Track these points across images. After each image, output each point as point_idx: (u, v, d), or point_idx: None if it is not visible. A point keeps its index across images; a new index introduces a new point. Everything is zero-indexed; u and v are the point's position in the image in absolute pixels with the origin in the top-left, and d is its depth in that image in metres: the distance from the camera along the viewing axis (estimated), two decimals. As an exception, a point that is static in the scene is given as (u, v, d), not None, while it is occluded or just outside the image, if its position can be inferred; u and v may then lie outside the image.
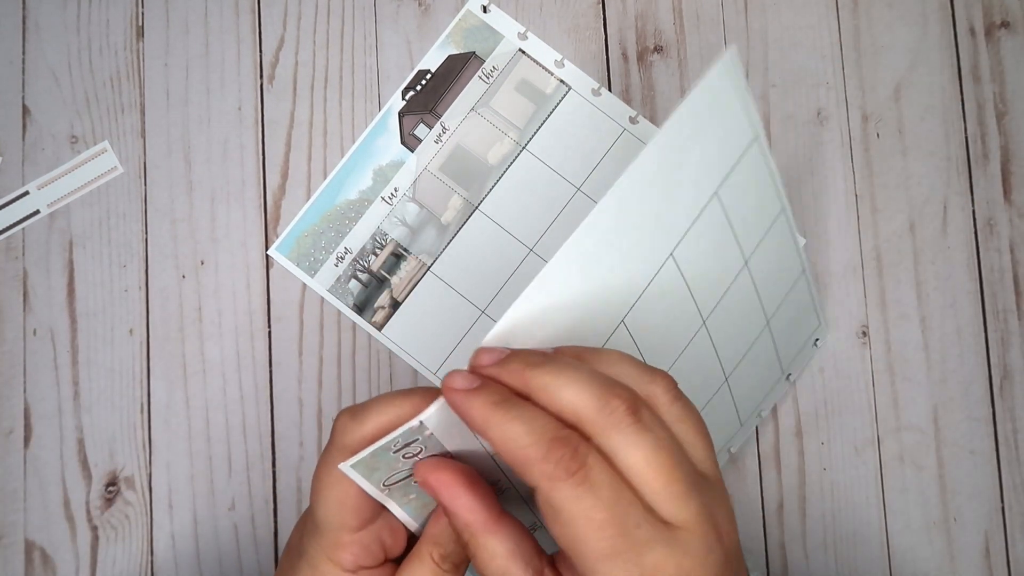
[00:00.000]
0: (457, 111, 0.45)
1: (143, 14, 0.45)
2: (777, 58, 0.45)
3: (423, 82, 0.45)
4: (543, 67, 0.45)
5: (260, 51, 0.45)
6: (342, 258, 0.44)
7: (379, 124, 0.45)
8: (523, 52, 0.45)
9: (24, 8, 0.45)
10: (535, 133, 0.44)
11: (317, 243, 0.44)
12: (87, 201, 0.44)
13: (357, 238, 0.44)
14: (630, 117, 0.44)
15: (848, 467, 0.43)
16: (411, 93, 0.45)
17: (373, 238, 0.44)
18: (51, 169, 0.44)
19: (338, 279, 0.44)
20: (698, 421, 0.25)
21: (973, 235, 0.45)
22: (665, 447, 0.23)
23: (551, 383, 0.23)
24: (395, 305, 0.43)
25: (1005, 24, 0.46)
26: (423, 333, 0.43)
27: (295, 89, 0.45)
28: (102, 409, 0.43)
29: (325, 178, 0.44)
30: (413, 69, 0.45)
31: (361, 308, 0.43)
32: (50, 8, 0.45)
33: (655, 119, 0.45)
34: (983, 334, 0.44)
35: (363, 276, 0.44)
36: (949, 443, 0.43)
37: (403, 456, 0.27)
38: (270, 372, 0.43)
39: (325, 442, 0.40)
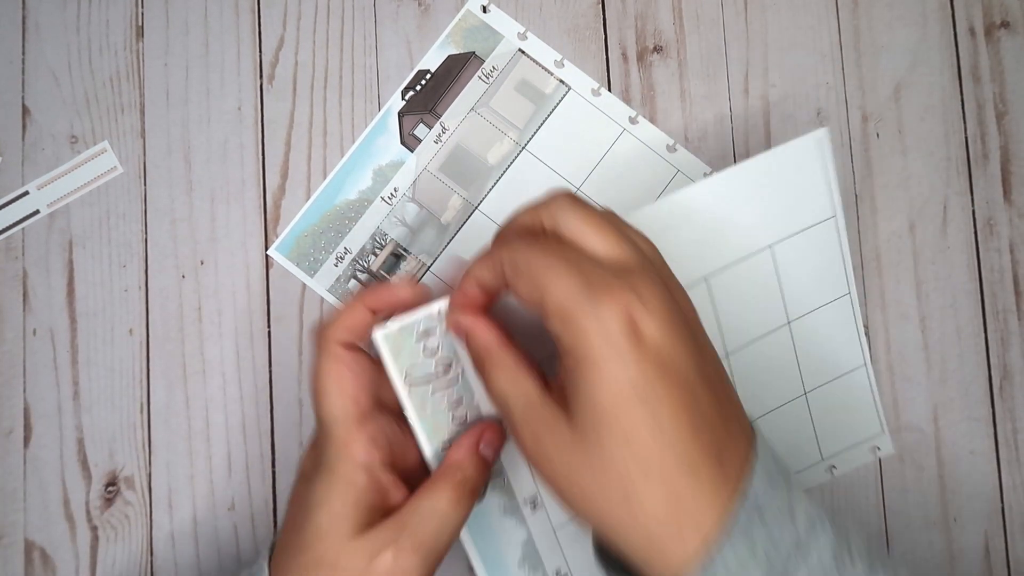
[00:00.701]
0: (457, 111, 0.45)
1: (143, 14, 0.45)
2: (777, 58, 0.45)
3: (423, 82, 0.45)
4: (543, 67, 0.45)
5: (260, 51, 0.45)
6: (342, 258, 0.44)
7: (379, 124, 0.45)
8: (523, 52, 0.45)
9: (24, 8, 0.45)
10: (535, 133, 0.44)
11: (317, 243, 0.44)
12: (87, 201, 0.44)
13: (357, 238, 0.44)
14: (630, 117, 0.44)
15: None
16: (411, 93, 0.45)
17: (373, 238, 0.44)
18: (51, 169, 0.44)
19: (338, 279, 0.44)
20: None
21: (973, 235, 0.45)
22: (599, 213, 0.29)
23: (516, 218, 0.31)
24: (395, 305, 0.43)
25: (1005, 24, 0.46)
26: (423, 333, 0.43)
27: (295, 89, 0.45)
28: (102, 409, 0.43)
29: (325, 178, 0.44)
30: (413, 69, 0.45)
31: (361, 308, 0.43)
32: (50, 8, 0.45)
33: (655, 119, 0.45)
34: (983, 334, 0.44)
35: (363, 276, 0.44)
36: (949, 443, 0.43)
37: (423, 349, 0.31)
38: (270, 372, 0.43)
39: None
